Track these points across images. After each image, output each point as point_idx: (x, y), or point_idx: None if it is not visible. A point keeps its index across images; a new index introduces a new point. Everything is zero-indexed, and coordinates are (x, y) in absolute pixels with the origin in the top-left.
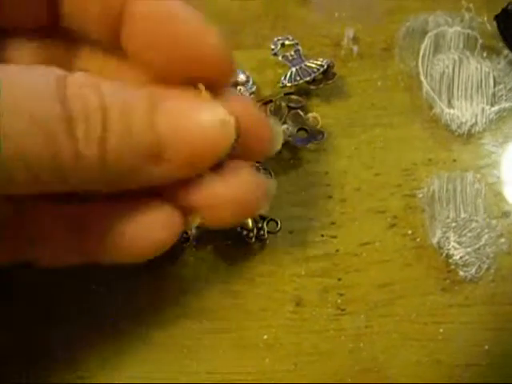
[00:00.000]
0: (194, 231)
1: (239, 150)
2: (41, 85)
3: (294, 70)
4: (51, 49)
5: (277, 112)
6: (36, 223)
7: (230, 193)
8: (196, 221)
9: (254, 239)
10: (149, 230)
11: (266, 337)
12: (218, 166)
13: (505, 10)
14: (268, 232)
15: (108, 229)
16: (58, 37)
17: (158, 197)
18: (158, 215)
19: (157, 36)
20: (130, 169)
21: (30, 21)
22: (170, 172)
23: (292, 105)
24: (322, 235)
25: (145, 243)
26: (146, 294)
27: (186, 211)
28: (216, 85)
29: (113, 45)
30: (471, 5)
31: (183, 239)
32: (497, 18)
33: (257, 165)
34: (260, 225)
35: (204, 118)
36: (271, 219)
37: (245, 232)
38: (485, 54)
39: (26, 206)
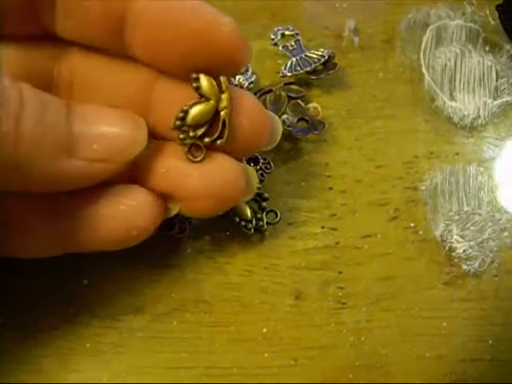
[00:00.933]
0: (191, 221)
1: (234, 144)
2: None
3: (294, 59)
4: (38, 52)
5: (276, 102)
6: (12, 215)
7: (205, 184)
8: (175, 209)
9: (252, 230)
10: (128, 215)
11: (264, 330)
12: (196, 158)
13: (507, 0)
14: (267, 223)
15: (88, 214)
16: (46, 41)
17: (138, 184)
18: (138, 201)
19: (164, 29)
20: (42, 157)
21: (20, 30)
22: (82, 168)
23: (292, 95)
24: (323, 227)
25: (124, 229)
26: (143, 286)
27: (166, 199)
28: (232, 65)
29: (113, 47)
30: None
31: (180, 230)
32: (498, 7)
33: (256, 155)
34: (259, 216)
35: (107, 129)
36: (270, 210)
37: (243, 223)
38: (487, 48)
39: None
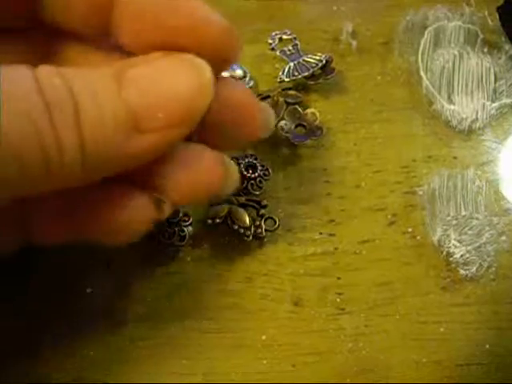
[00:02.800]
0: (190, 229)
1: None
2: (21, 81)
3: (291, 64)
4: (32, 47)
5: (274, 108)
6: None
7: (181, 174)
8: (167, 207)
9: (251, 237)
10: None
11: (264, 337)
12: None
13: (507, 2)
14: (266, 230)
15: (89, 209)
16: (38, 34)
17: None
18: (135, 202)
19: (152, 24)
20: (109, 148)
21: (9, 20)
22: (151, 143)
23: (290, 100)
24: (321, 233)
25: (120, 228)
26: (144, 294)
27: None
28: (222, 62)
29: (99, 32)
30: None
31: (179, 238)
32: (499, 9)
33: (254, 162)
34: (258, 223)
35: (174, 82)
36: (269, 217)
37: (242, 230)
38: (485, 49)
39: None
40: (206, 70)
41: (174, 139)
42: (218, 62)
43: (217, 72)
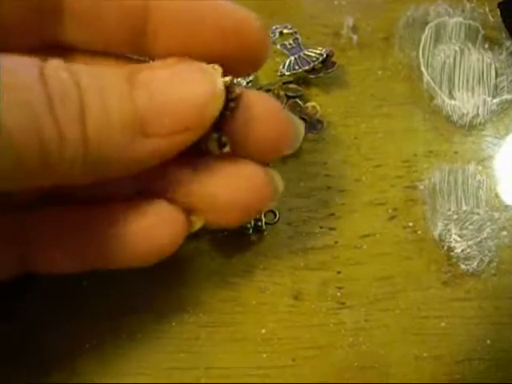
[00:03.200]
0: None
1: (254, 148)
2: (25, 72)
3: (292, 58)
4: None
5: None
6: (34, 228)
7: (230, 194)
8: (199, 222)
9: (251, 230)
10: (152, 232)
11: (263, 331)
12: (218, 165)
13: None
14: (266, 223)
15: (110, 231)
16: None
17: (160, 198)
18: (162, 215)
19: (191, 31)
20: (113, 149)
21: (19, 42)
22: (156, 148)
23: (290, 94)
24: (321, 227)
25: (148, 246)
26: (142, 287)
27: (189, 212)
28: (254, 62)
29: (131, 51)
30: None
31: None
32: (500, 5)
33: None
34: (258, 216)
35: (185, 88)
36: (269, 210)
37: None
38: (486, 45)
39: (24, 211)
40: (219, 78)
41: (180, 145)
42: (251, 63)
43: (250, 73)
